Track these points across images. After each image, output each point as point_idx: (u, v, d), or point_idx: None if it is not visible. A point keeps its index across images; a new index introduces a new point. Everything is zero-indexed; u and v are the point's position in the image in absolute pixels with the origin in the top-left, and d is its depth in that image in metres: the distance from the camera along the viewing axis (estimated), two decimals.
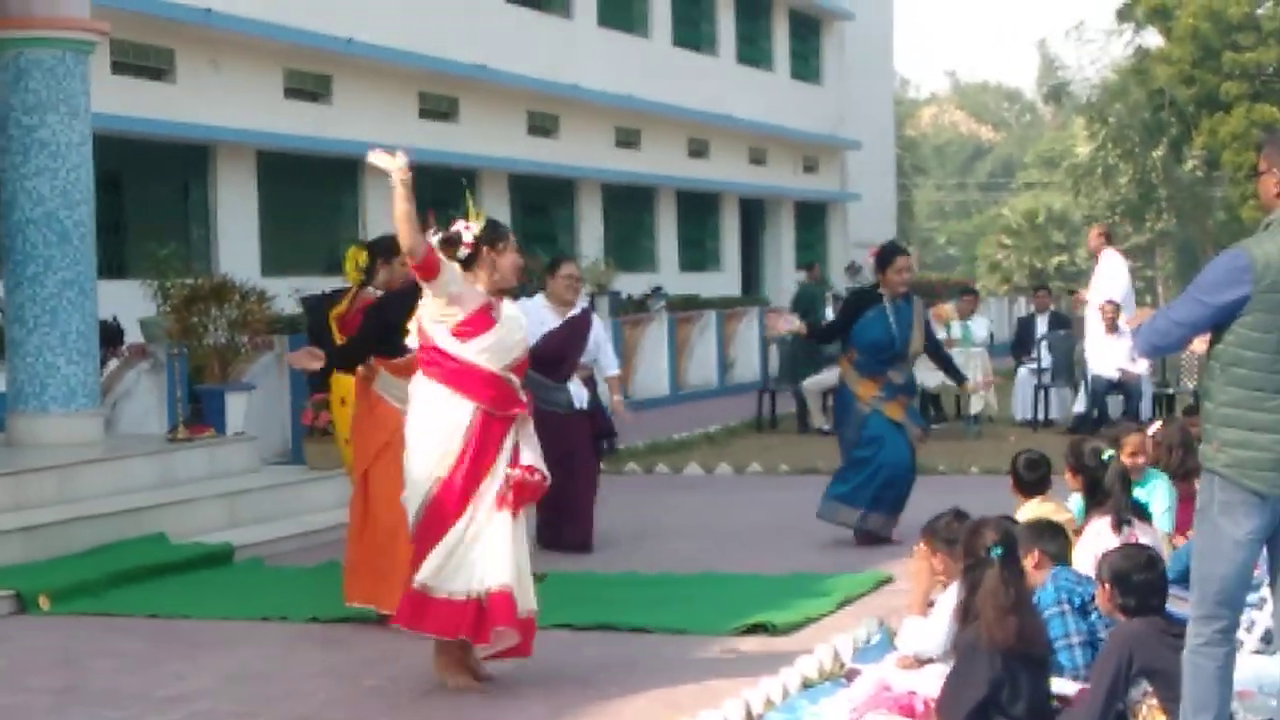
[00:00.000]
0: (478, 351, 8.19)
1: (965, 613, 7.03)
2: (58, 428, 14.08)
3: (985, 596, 6.91)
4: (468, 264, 8.28)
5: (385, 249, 10.46)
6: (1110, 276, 20.48)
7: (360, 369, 9.93)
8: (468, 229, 8.29)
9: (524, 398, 8.42)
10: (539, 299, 12.58)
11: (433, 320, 8.26)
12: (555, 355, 12.34)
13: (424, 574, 8.15)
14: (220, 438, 14.84)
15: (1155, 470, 9.86)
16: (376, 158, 8.24)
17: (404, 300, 8.98)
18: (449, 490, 8.14)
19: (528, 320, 11.79)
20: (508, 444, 8.27)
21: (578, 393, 12.63)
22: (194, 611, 10.58)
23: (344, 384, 11.11)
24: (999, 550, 6.97)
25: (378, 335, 9.45)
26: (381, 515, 9.55)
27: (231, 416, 15.27)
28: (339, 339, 10.81)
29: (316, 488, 14.32)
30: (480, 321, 8.21)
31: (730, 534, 13.43)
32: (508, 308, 8.44)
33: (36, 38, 14.07)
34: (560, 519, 12.33)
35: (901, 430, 12.74)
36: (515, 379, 8.36)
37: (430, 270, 8.10)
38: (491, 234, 8.29)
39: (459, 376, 8.18)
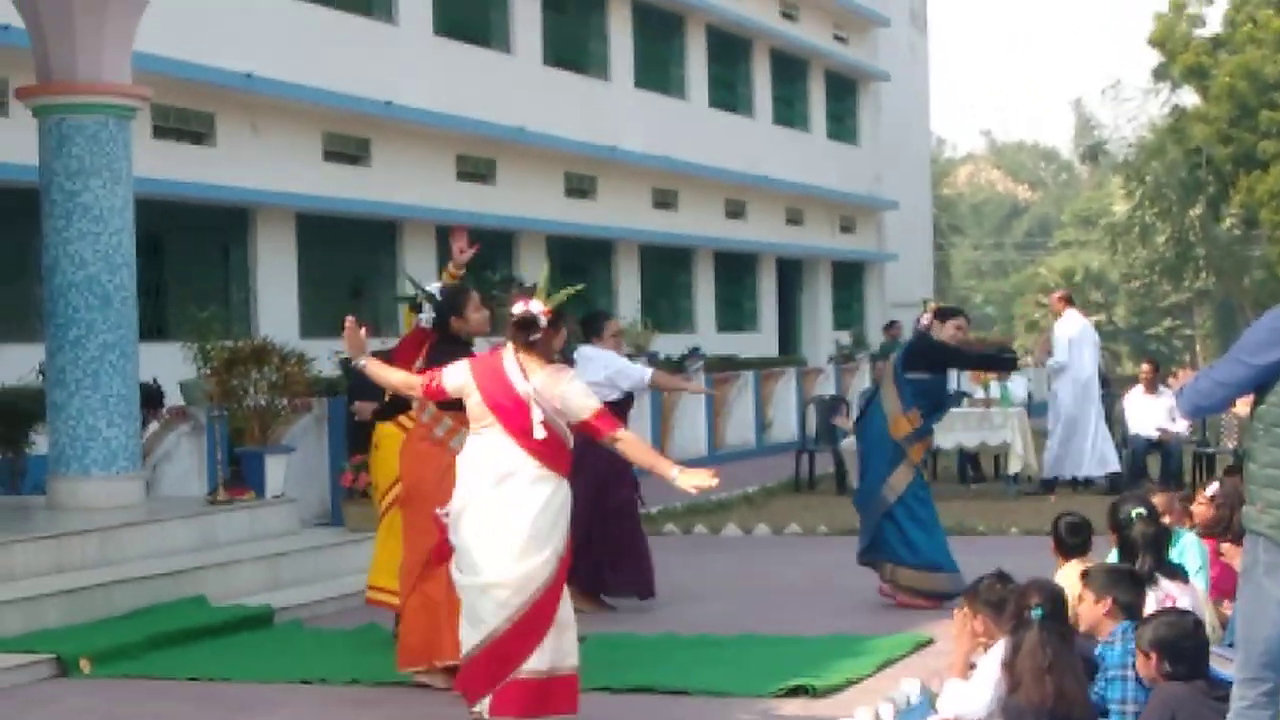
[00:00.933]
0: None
1: (1010, 674, 7.01)
2: (99, 490, 14.12)
3: (1024, 657, 6.89)
4: (533, 346, 8.30)
5: (448, 304, 10.27)
6: (1064, 334, 20.60)
7: (429, 430, 9.88)
8: (546, 314, 8.29)
9: None
10: (600, 352, 12.52)
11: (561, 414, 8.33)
12: (630, 404, 12.62)
13: (554, 657, 8.25)
14: (260, 500, 14.88)
15: (1182, 530, 9.85)
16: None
17: (455, 356, 9.02)
18: (560, 580, 8.28)
19: (586, 369, 11.98)
20: None
21: None
22: (234, 674, 10.59)
23: (380, 431, 11.15)
24: (1039, 611, 6.94)
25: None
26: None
27: (271, 479, 15.30)
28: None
29: (356, 550, 14.32)
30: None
31: (769, 595, 13.39)
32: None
33: (79, 103, 14.18)
34: (625, 564, 12.41)
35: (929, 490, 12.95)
36: None
37: (595, 437, 8.40)
38: (558, 323, 8.40)
39: (568, 466, 8.36)
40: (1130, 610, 7.63)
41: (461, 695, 8.48)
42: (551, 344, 8.42)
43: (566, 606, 8.35)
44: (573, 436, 8.41)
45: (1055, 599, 7.07)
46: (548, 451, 8.22)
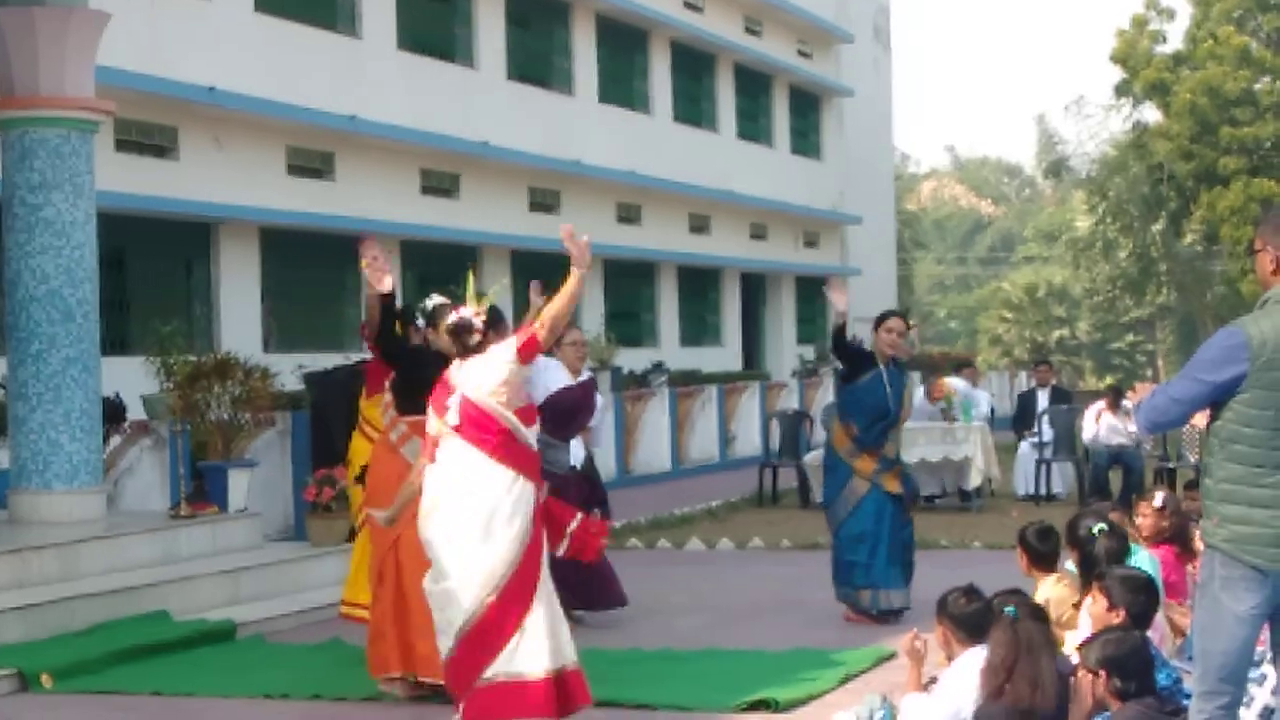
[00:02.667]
0: (533, 436, 8.33)
1: (992, 676, 7.02)
2: (60, 505, 14.08)
3: (996, 649, 6.94)
4: (477, 349, 8.30)
5: (432, 317, 10.29)
6: None
7: (387, 435, 9.97)
8: (477, 315, 8.29)
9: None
10: (553, 361, 12.56)
11: (498, 401, 8.28)
12: (568, 412, 12.40)
13: (517, 663, 8.15)
14: (223, 515, 14.85)
15: (1136, 545, 9.89)
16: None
17: (438, 360, 9.03)
18: (529, 571, 8.18)
19: (543, 377, 11.99)
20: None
21: (576, 452, 12.72)
22: (196, 689, 10.57)
23: (361, 457, 11.17)
24: (1013, 610, 6.99)
25: (414, 367, 9.37)
26: (416, 583, 9.40)
27: (234, 493, 15.28)
28: (370, 408, 10.81)
29: (319, 564, 14.33)
30: (530, 411, 8.34)
31: (732, 609, 13.42)
32: None
33: (42, 117, 14.16)
34: (572, 582, 12.37)
35: (900, 502, 12.79)
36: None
37: (535, 349, 8.31)
38: (497, 320, 8.36)
39: (525, 460, 8.28)
40: (1141, 621, 7.56)
41: (454, 700, 8.47)
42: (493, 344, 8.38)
43: (537, 613, 8.28)
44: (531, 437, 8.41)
45: (1031, 604, 7.11)
46: (497, 444, 8.20)
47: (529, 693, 8.17)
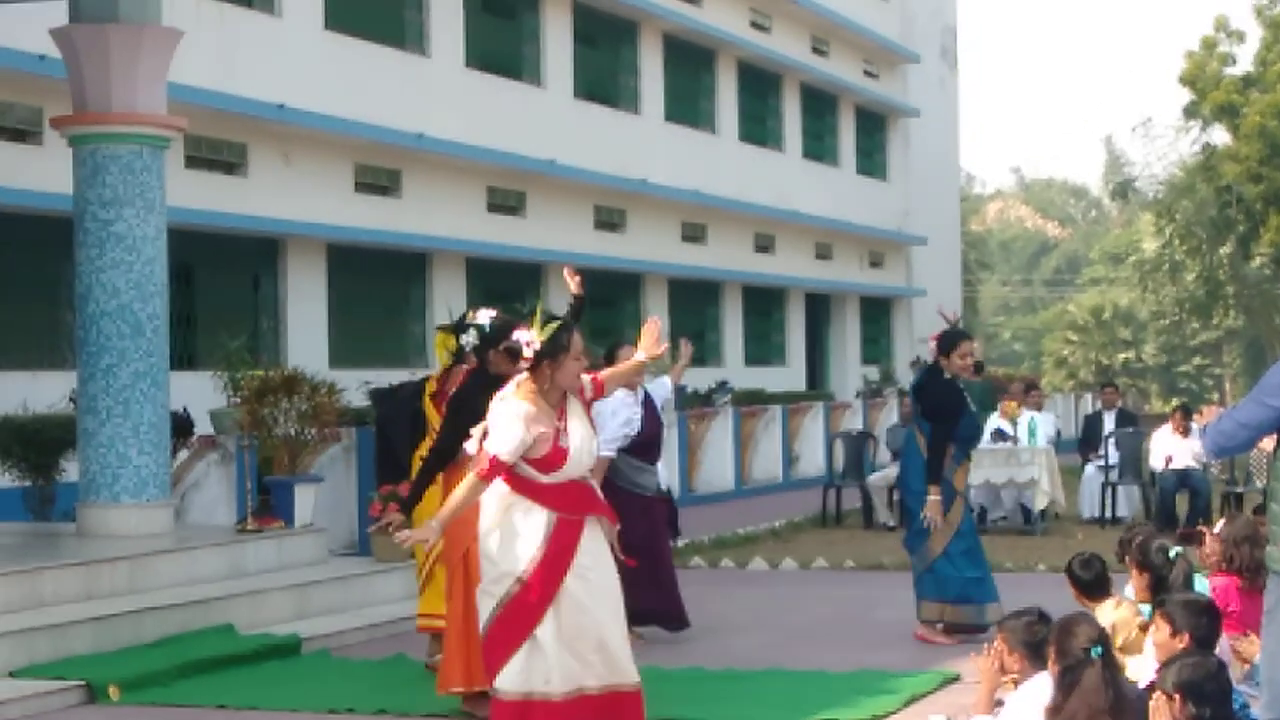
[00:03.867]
0: (553, 480, 8.17)
1: (1058, 715, 6.95)
2: (128, 518, 14.18)
3: (1089, 695, 6.84)
4: (533, 374, 8.24)
5: (495, 338, 10.24)
6: None
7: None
8: (529, 345, 8.19)
9: (600, 498, 8.39)
10: (618, 400, 12.57)
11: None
12: (649, 437, 12.61)
13: (512, 680, 8.07)
14: (289, 529, 14.92)
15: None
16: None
17: (486, 391, 8.99)
18: (530, 592, 8.07)
19: (611, 408, 12.06)
20: (585, 542, 8.20)
21: (663, 474, 12.90)
22: (262, 703, 10.63)
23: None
24: (1099, 649, 6.91)
25: (464, 427, 9.31)
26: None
27: (300, 508, 15.34)
28: (435, 418, 10.84)
29: (384, 580, 14.39)
30: (555, 457, 8.15)
31: (795, 630, 13.41)
32: (577, 411, 8.29)
33: (114, 133, 14.28)
34: (651, 600, 12.36)
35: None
36: (593, 480, 8.38)
37: (501, 471, 8.15)
38: (552, 348, 8.17)
39: (536, 491, 8.16)
40: (1205, 645, 7.45)
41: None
42: (555, 376, 8.21)
43: (545, 632, 8.09)
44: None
45: (1105, 636, 7.03)
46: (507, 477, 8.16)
47: (546, 711, 8.08)
